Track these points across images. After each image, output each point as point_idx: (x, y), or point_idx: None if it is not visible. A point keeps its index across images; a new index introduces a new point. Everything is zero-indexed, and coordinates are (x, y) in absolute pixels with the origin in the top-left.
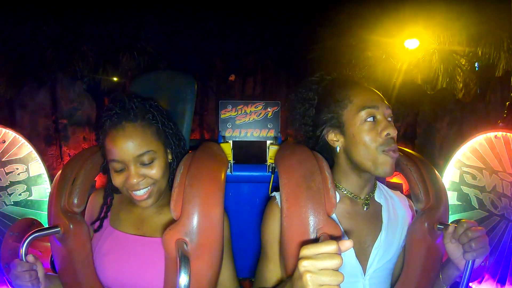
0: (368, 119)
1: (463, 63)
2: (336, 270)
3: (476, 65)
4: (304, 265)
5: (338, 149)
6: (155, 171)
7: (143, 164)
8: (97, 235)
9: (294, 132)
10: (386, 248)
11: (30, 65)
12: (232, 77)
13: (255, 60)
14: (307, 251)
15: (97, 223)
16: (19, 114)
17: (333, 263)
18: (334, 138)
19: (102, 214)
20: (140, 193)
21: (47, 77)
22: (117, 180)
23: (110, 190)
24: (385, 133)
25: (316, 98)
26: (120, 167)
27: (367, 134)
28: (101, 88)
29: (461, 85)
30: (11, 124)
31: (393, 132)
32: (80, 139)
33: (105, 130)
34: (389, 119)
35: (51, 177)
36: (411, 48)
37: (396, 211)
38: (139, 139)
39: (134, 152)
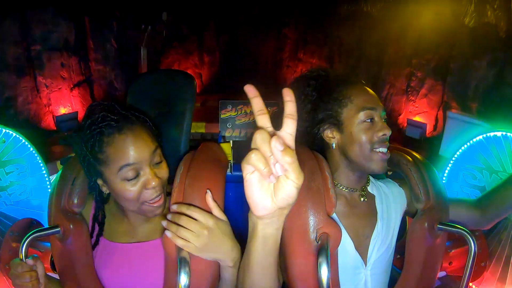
0: (367, 120)
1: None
2: None
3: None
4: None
5: (334, 145)
6: (165, 170)
7: (155, 164)
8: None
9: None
10: (383, 238)
11: None
12: None
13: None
14: None
15: (93, 240)
16: None
17: None
18: (330, 135)
19: (97, 231)
20: (157, 199)
21: None
22: (133, 190)
23: (101, 204)
24: (381, 133)
25: (315, 94)
26: (133, 174)
27: (364, 133)
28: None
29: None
30: None
31: (388, 133)
32: (58, 65)
33: (102, 140)
34: (384, 120)
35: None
36: None
37: (388, 199)
38: (148, 137)
39: (148, 150)
